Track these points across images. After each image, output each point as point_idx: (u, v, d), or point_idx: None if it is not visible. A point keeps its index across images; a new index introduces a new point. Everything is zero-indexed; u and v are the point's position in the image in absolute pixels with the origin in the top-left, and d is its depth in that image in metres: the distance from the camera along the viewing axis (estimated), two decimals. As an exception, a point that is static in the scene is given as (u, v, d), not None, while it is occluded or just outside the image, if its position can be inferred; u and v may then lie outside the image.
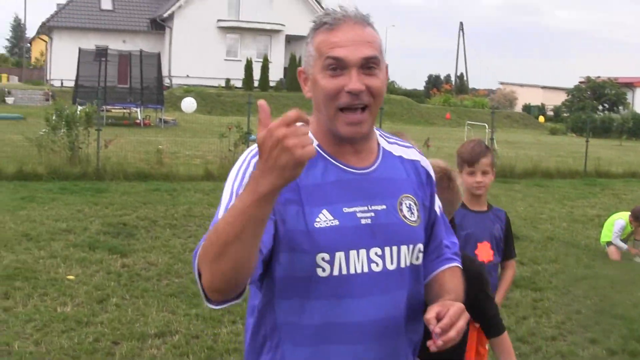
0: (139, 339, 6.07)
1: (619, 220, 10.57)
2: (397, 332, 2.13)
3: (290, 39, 53.01)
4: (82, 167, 15.23)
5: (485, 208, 4.34)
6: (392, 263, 2.10)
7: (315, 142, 2.11)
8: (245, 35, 52.32)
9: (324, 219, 2.02)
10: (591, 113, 37.85)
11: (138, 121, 31.29)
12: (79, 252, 8.77)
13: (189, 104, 31.92)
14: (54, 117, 15.91)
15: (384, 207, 2.11)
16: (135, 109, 32.63)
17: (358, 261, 2.05)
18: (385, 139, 2.27)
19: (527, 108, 62.30)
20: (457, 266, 2.34)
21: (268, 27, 52.22)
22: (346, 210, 2.05)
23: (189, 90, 44.40)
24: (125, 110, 33.81)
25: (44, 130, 16.29)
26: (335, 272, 2.03)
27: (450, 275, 2.29)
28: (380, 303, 2.08)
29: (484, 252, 4.25)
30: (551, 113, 61.60)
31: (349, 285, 2.04)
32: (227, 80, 48.92)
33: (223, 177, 12.98)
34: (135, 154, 17.87)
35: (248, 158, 2.09)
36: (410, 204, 2.17)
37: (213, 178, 15.85)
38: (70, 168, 15.06)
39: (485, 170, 4.21)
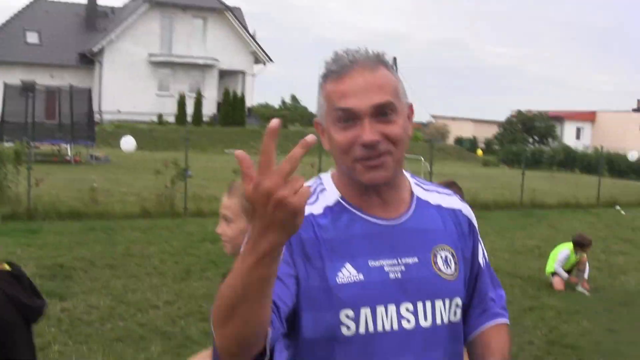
0: (85, 389, 5.80)
1: (564, 250, 10.70)
2: None
3: (224, 74, 52.90)
4: (11, 207, 14.73)
5: None
6: (425, 320, 1.94)
7: (339, 194, 1.99)
8: (177, 69, 51.99)
9: (347, 274, 1.88)
10: (522, 145, 38.50)
11: (68, 158, 30.61)
12: (15, 297, 8.39)
13: (129, 143, 31.39)
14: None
15: (416, 260, 1.96)
16: (65, 145, 31.97)
17: (387, 318, 1.89)
18: (421, 187, 2.12)
19: (459, 141, 63.34)
20: (504, 322, 2.19)
21: (201, 61, 52.04)
22: (372, 264, 1.90)
23: (120, 126, 43.78)
24: (54, 147, 33.09)
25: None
26: (362, 330, 1.88)
27: (496, 332, 2.13)
28: None
29: None
30: (482, 145, 62.75)
31: (377, 344, 1.89)
32: (160, 116, 48.43)
33: (160, 215, 12.79)
34: (68, 192, 17.42)
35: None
36: (446, 256, 2.01)
37: (150, 215, 15.53)
38: (-1, 208, 14.57)
39: None
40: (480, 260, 2.16)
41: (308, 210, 1.89)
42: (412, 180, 2.10)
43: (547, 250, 13.25)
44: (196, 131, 46.65)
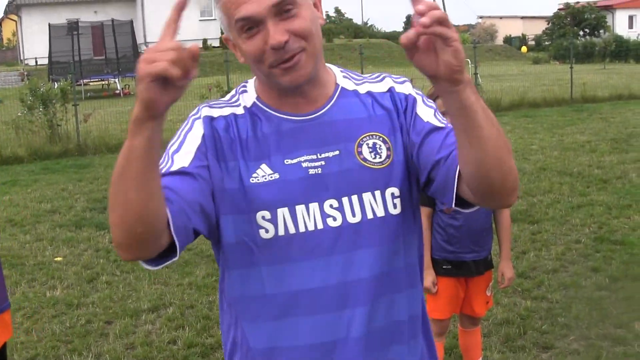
0: (132, 316, 5.92)
1: None
2: (376, 293, 1.84)
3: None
4: (62, 145, 14.98)
5: None
6: (354, 215, 1.80)
7: (255, 96, 1.89)
8: (218, -7, 51.55)
9: (262, 173, 1.79)
10: (572, 39, 37.49)
11: (117, 91, 30.92)
12: (65, 232, 8.59)
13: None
14: (29, 97, 15.59)
15: (337, 152, 1.83)
16: (113, 79, 32.24)
17: (309, 217, 1.78)
18: (350, 79, 1.96)
19: (508, 40, 61.88)
20: None
21: (241, -18, 51.43)
22: (289, 162, 1.81)
23: (166, 55, 43.85)
24: (103, 82, 33.41)
25: (21, 111, 15.98)
26: (281, 232, 1.78)
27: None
28: (345, 263, 1.80)
29: None
30: (532, 43, 61.26)
31: (301, 245, 1.78)
32: (204, 41, 48.32)
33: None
34: (117, 125, 17.59)
35: (191, 118, 1.87)
36: (374, 144, 1.86)
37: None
38: (51, 147, 14.82)
39: None
40: (425, 119, 1.88)
41: (230, 110, 1.86)
42: (340, 74, 1.96)
43: (599, 144, 13.02)
44: (242, 54, 46.56)
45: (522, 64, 44.97)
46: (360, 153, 1.84)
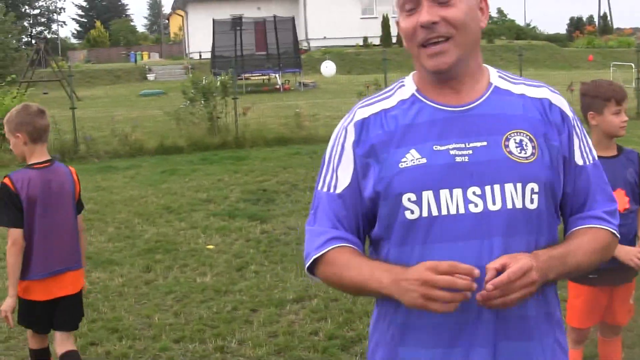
0: (277, 305, 5.95)
1: None
2: None
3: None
4: (221, 137, 15.39)
5: (615, 152, 3.86)
6: (494, 204, 1.87)
7: (415, 88, 2.02)
8: (379, -9, 51.65)
9: (411, 158, 1.91)
10: None
11: (278, 86, 31.52)
12: (218, 222, 8.79)
13: (329, 67, 31.79)
14: (191, 90, 16.11)
15: (485, 143, 1.91)
16: (274, 74, 32.90)
17: (452, 201, 1.88)
18: (506, 80, 2.05)
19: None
20: (604, 228, 2.02)
21: (403, -19, 51.31)
22: (437, 148, 1.91)
23: (327, 52, 44.39)
24: (264, 77, 34.15)
25: (184, 103, 16.54)
26: (425, 214, 1.88)
27: (584, 232, 2.01)
28: (481, 249, 1.86)
29: (619, 201, 3.80)
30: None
31: (443, 227, 1.88)
32: (365, 39, 48.52)
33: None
34: (275, 119, 17.92)
35: (345, 125, 2.04)
36: (521, 140, 1.93)
37: (353, 137, 15.66)
38: (210, 138, 15.26)
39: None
40: (580, 158, 2.02)
41: (379, 107, 2.02)
42: (496, 74, 2.06)
43: None
44: (401, 52, 46.39)
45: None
46: (507, 146, 1.92)
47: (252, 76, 33.63)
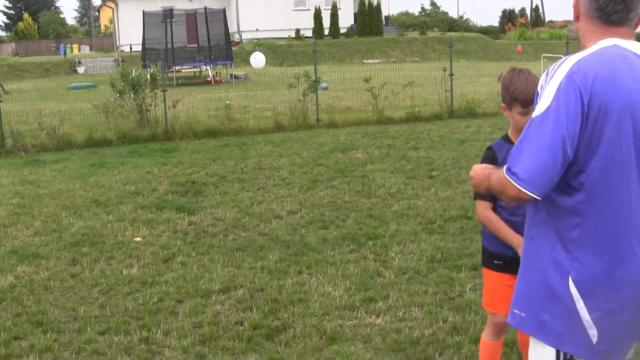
0: (203, 296, 6.00)
1: None
2: None
3: (358, -16, 52.27)
4: (151, 129, 15.32)
5: None
6: None
7: None
8: (311, -17, 51.73)
9: None
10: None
11: (209, 79, 31.38)
12: (146, 214, 8.77)
13: (258, 59, 31.76)
14: (120, 83, 15.98)
15: None
16: (205, 67, 32.74)
17: None
18: None
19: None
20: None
21: (335, -27, 51.54)
22: None
23: (259, 44, 44.33)
24: (195, 70, 33.97)
25: (114, 96, 16.39)
26: None
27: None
28: None
29: None
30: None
31: None
32: (297, 31, 48.60)
33: (293, 128, 12.96)
34: (205, 112, 17.86)
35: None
36: None
37: (283, 129, 15.76)
38: (139, 131, 15.17)
39: None
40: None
41: None
42: None
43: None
44: (334, 43, 46.64)
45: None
46: None
47: (183, 69, 33.41)
